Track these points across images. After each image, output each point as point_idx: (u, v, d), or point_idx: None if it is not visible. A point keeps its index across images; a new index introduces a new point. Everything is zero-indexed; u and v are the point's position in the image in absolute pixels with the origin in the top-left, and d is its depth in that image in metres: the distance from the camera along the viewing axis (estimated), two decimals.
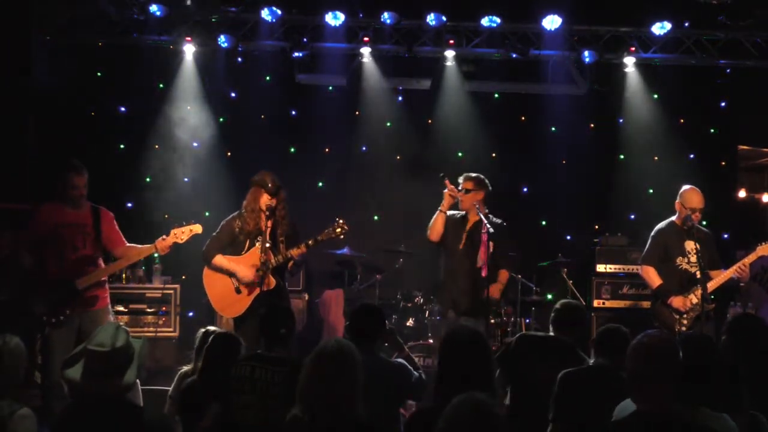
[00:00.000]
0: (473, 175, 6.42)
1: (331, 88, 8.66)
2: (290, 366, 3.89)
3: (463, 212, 6.44)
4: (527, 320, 7.68)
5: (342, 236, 6.01)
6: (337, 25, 7.51)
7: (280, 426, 3.63)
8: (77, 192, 5.76)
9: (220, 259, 5.96)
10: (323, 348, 3.20)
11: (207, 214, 8.19)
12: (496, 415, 2.65)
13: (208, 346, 4.57)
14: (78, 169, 5.77)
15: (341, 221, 5.96)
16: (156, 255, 6.39)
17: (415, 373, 4.29)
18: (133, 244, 5.92)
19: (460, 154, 8.89)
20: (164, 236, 5.84)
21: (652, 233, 6.42)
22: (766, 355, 4.15)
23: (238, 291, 5.87)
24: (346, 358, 3.16)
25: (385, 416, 4.15)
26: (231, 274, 5.91)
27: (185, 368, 4.76)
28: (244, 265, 5.88)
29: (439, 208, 6.30)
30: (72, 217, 5.78)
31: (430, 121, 8.81)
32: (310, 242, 5.87)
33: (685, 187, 6.35)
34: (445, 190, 6.27)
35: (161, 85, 8.33)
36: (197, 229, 5.93)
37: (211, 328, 4.84)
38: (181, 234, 5.89)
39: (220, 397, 4.08)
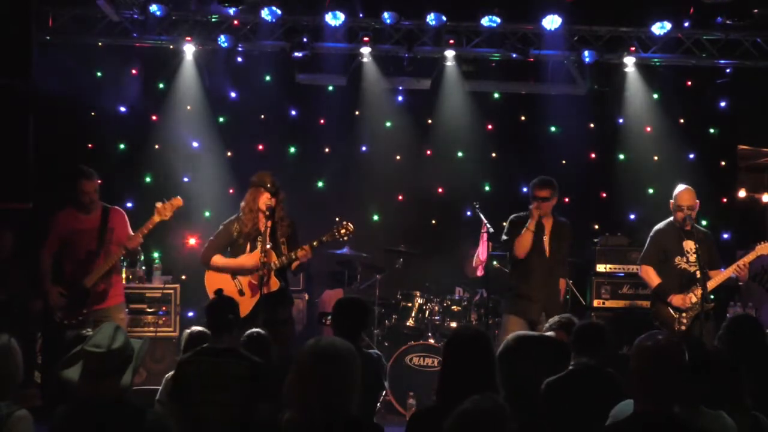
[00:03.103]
0: (550, 180, 6.36)
1: (331, 88, 8.66)
2: (239, 356, 4.08)
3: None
4: None
5: (346, 238, 6.01)
6: (337, 25, 7.50)
7: (237, 417, 3.79)
8: (87, 197, 6.11)
9: (219, 259, 5.95)
10: (316, 347, 3.09)
11: (207, 214, 8.20)
12: (506, 419, 2.65)
13: (185, 343, 4.59)
14: (88, 175, 6.12)
15: (346, 222, 5.93)
16: (156, 255, 6.48)
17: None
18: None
19: (460, 154, 8.90)
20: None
21: (651, 233, 6.43)
22: (763, 355, 4.17)
23: (241, 293, 5.85)
24: (343, 355, 3.13)
25: (368, 406, 4.37)
26: (234, 272, 5.90)
27: (170, 373, 4.74)
28: (246, 258, 5.88)
29: (527, 226, 6.19)
30: (84, 222, 6.13)
31: (430, 121, 8.81)
32: (314, 243, 5.85)
33: (679, 187, 6.37)
34: (533, 207, 6.21)
35: (161, 85, 8.33)
36: (178, 202, 6.09)
37: (196, 328, 4.84)
38: (164, 210, 6.03)
39: (179, 393, 4.15)
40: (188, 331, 4.80)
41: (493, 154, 8.85)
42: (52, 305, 5.97)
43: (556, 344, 4.39)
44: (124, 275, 7.46)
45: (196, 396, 4.03)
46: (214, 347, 4.17)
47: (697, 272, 5.98)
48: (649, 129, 8.70)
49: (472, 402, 2.67)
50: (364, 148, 8.83)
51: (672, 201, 6.29)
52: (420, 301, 7.42)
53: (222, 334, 4.21)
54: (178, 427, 4.09)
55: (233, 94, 8.64)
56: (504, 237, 6.44)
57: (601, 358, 4.09)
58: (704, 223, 7.60)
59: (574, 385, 3.89)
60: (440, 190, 8.91)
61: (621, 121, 8.75)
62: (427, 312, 7.39)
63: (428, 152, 8.91)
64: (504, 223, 6.85)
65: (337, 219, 6.02)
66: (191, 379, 4.07)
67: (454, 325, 7.24)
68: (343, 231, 5.92)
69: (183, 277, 7.78)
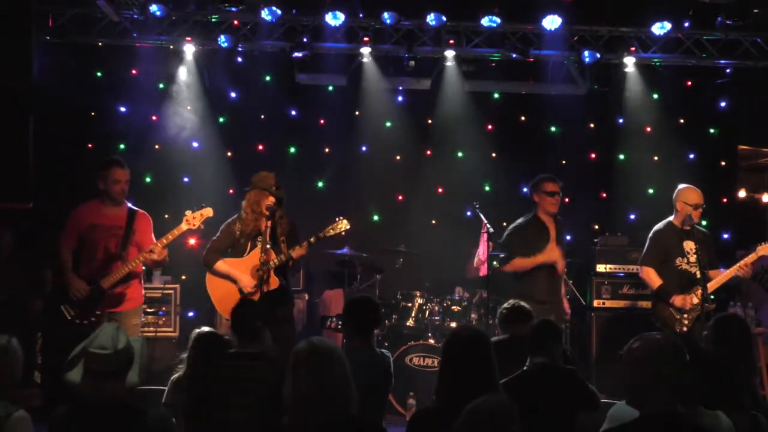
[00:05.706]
0: (555, 178, 6.44)
1: (331, 88, 8.66)
2: (267, 361, 4.03)
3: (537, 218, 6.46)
4: None
5: (343, 233, 6.01)
6: (337, 25, 7.50)
7: (265, 422, 3.70)
8: (120, 187, 5.97)
9: (221, 265, 5.96)
10: (309, 346, 3.10)
11: None
12: (513, 418, 2.65)
13: (192, 345, 4.56)
14: (121, 163, 6.01)
15: (342, 218, 5.95)
16: None
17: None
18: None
19: (460, 154, 8.90)
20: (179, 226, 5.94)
21: (650, 234, 6.42)
22: (746, 354, 4.17)
23: (241, 292, 5.86)
24: (337, 354, 3.13)
25: (377, 405, 4.32)
26: (234, 281, 5.91)
27: (177, 374, 4.68)
28: (246, 272, 5.87)
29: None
30: (108, 217, 5.96)
31: (430, 121, 8.81)
32: (311, 239, 5.86)
33: (682, 186, 6.35)
34: (543, 206, 6.38)
35: (161, 85, 8.33)
36: (208, 212, 5.97)
37: (205, 329, 4.76)
38: (193, 219, 5.91)
39: (206, 397, 4.08)
40: (197, 331, 4.67)
41: (493, 154, 8.84)
42: (73, 298, 5.74)
43: (519, 344, 4.38)
44: None
45: (222, 400, 3.98)
46: (241, 352, 4.13)
47: (698, 273, 5.97)
48: (649, 129, 8.70)
49: (479, 402, 2.67)
50: (364, 148, 8.82)
51: (680, 201, 6.25)
52: (420, 301, 7.41)
53: (249, 342, 4.16)
54: (192, 428, 4.09)
55: (233, 94, 8.63)
56: (502, 254, 6.48)
57: (557, 358, 4.09)
58: (704, 223, 7.59)
59: (529, 385, 3.91)
60: (440, 190, 8.90)
61: (621, 121, 8.75)
62: (427, 312, 7.39)
63: (428, 152, 8.91)
64: (504, 223, 6.85)
65: (338, 217, 6.03)
66: (220, 382, 4.03)
67: (454, 325, 7.24)
68: (340, 227, 5.92)
69: (183, 277, 7.77)
